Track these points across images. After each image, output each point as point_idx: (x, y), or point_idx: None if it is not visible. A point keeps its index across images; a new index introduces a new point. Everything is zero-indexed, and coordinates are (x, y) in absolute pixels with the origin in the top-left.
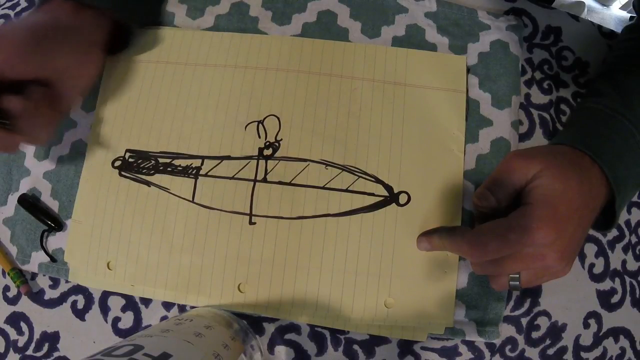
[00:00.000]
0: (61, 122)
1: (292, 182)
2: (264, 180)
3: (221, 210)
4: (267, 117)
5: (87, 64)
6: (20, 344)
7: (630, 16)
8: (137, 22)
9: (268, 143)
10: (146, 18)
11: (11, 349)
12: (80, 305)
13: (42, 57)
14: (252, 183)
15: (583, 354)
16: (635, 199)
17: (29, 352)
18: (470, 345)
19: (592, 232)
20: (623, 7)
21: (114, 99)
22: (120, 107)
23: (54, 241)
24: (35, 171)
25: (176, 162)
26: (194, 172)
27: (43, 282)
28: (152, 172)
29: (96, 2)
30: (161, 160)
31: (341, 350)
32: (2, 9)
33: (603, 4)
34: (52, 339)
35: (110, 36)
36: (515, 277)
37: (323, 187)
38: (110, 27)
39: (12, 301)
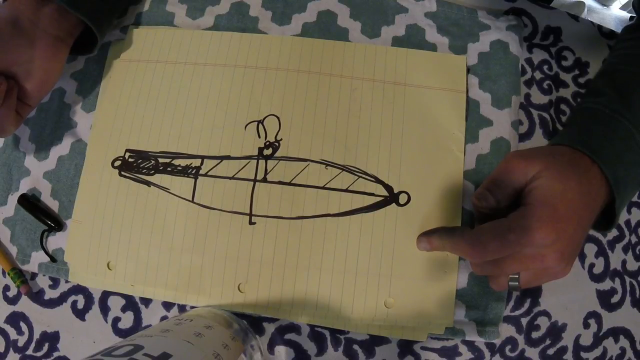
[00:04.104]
0: (27, 115)
1: (292, 182)
2: (264, 180)
3: (221, 210)
4: (267, 116)
5: (49, 58)
6: (20, 343)
7: (630, 16)
8: (94, 18)
9: (268, 143)
10: (105, 14)
11: (11, 348)
12: (80, 305)
13: (0, 50)
14: (252, 183)
15: (583, 354)
16: (635, 199)
17: (29, 352)
18: (470, 345)
19: (592, 232)
20: (623, 7)
21: (114, 99)
22: (120, 107)
23: (54, 241)
24: (35, 171)
25: (176, 162)
26: (193, 172)
27: (43, 282)
28: (152, 172)
29: None
30: (161, 160)
31: (341, 350)
32: None
33: (603, 4)
34: (52, 339)
35: (75, 32)
36: (515, 278)
37: (323, 187)
38: (74, 23)
39: (12, 301)
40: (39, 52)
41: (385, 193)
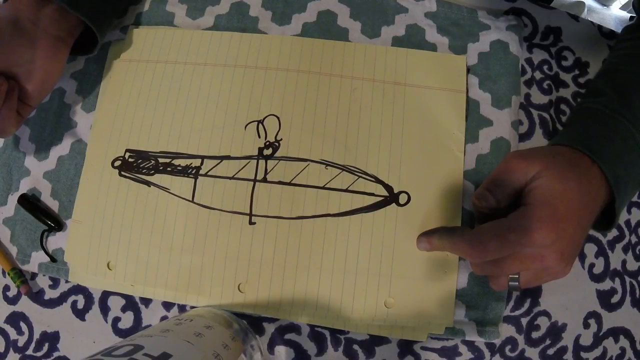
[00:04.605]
0: (28, 115)
1: (292, 182)
2: (264, 180)
3: (221, 210)
4: (267, 116)
5: (50, 58)
6: (20, 343)
7: (630, 16)
8: (94, 19)
9: (268, 143)
10: (105, 14)
11: (11, 348)
12: (80, 305)
13: (1, 50)
14: (252, 183)
15: (583, 354)
16: (635, 199)
17: (29, 352)
18: (470, 345)
19: (592, 232)
20: (623, 7)
21: (114, 99)
22: (120, 107)
23: (54, 241)
24: (35, 171)
25: (176, 162)
26: (193, 172)
27: (43, 282)
28: (152, 172)
29: None
30: (161, 160)
31: (341, 350)
32: None
33: (603, 4)
34: (52, 339)
35: (76, 32)
36: (515, 278)
37: (323, 187)
38: (74, 23)
39: (12, 301)
40: (40, 52)
41: (385, 193)
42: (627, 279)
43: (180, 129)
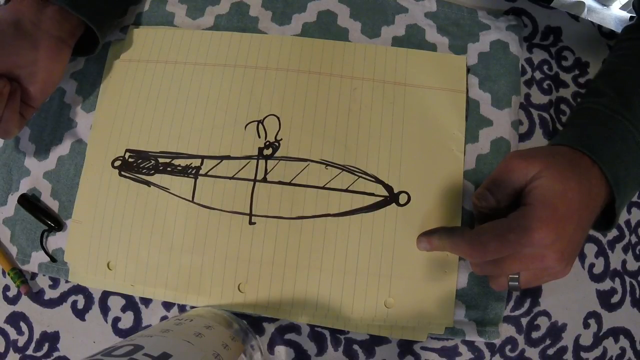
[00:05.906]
0: (30, 116)
1: (292, 182)
2: (264, 180)
3: (221, 210)
4: (267, 116)
5: (51, 59)
6: (20, 343)
7: (630, 16)
8: (95, 19)
9: (268, 143)
10: (106, 15)
11: (11, 348)
12: (80, 305)
13: (1, 51)
14: (252, 183)
15: (583, 354)
16: (635, 199)
17: (29, 352)
18: (470, 345)
19: (592, 232)
20: (623, 7)
21: (114, 99)
22: (120, 107)
23: (54, 241)
24: (35, 171)
25: (176, 162)
26: (193, 171)
27: (43, 282)
28: (152, 172)
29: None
30: (161, 160)
31: (341, 350)
32: None
33: (603, 4)
34: (52, 339)
35: (77, 33)
36: (515, 278)
37: (323, 187)
38: (75, 24)
39: (12, 301)
40: (42, 53)
41: (385, 193)
42: (627, 279)
43: (180, 129)
